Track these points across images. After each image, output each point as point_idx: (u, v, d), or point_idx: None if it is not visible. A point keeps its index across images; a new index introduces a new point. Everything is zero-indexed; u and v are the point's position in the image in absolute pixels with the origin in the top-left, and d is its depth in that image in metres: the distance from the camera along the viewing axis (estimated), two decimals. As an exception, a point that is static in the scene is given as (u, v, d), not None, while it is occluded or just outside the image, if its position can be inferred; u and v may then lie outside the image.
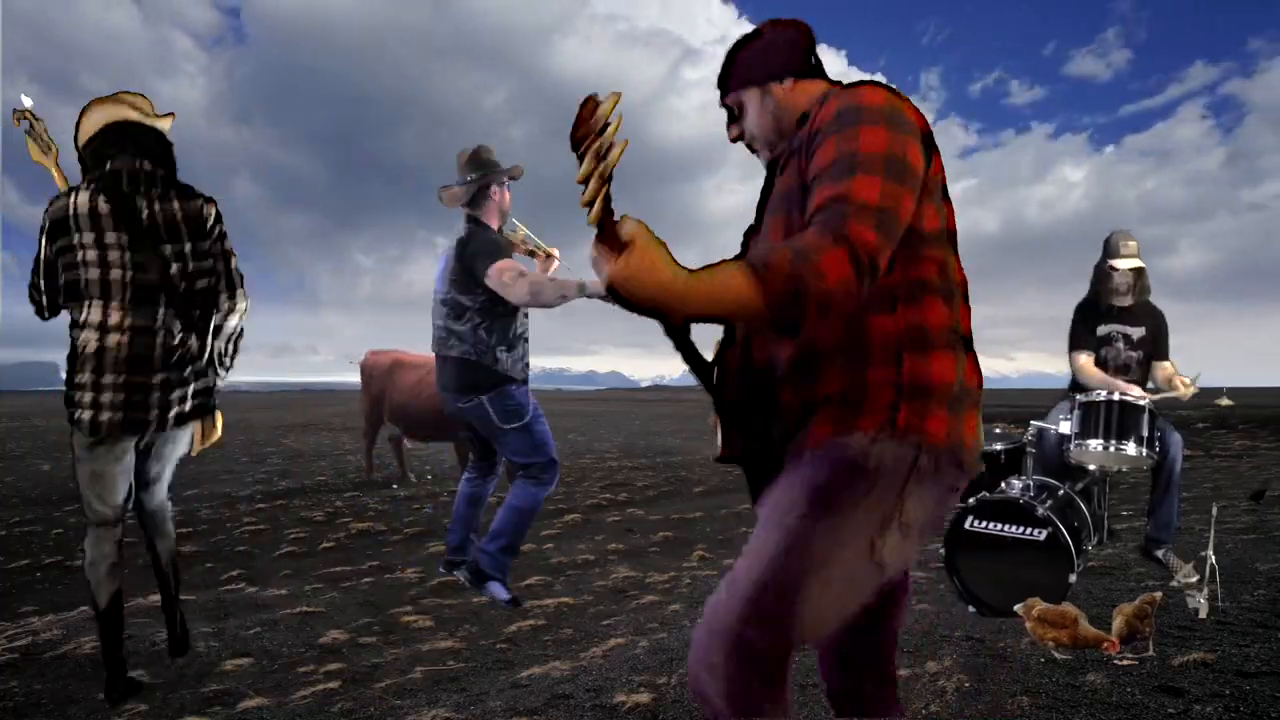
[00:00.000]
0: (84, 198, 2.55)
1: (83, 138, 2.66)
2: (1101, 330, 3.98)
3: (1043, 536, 3.09)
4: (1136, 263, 3.94)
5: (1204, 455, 9.29)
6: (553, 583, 4.04)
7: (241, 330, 2.86)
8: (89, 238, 2.53)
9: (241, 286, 2.80)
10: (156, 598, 3.76)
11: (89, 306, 2.56)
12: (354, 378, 8.22)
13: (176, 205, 2.63)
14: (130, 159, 2.61)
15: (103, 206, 2.55)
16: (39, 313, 2.72)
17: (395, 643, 3.15)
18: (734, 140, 1.60)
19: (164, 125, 2.76)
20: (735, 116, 1.59)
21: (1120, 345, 4.00)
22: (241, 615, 3.03)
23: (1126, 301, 3.98)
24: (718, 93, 1.61)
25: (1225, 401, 3.83)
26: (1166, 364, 3.99)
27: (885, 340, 1.26)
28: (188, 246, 2.63)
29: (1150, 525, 3.86)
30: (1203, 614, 2.80)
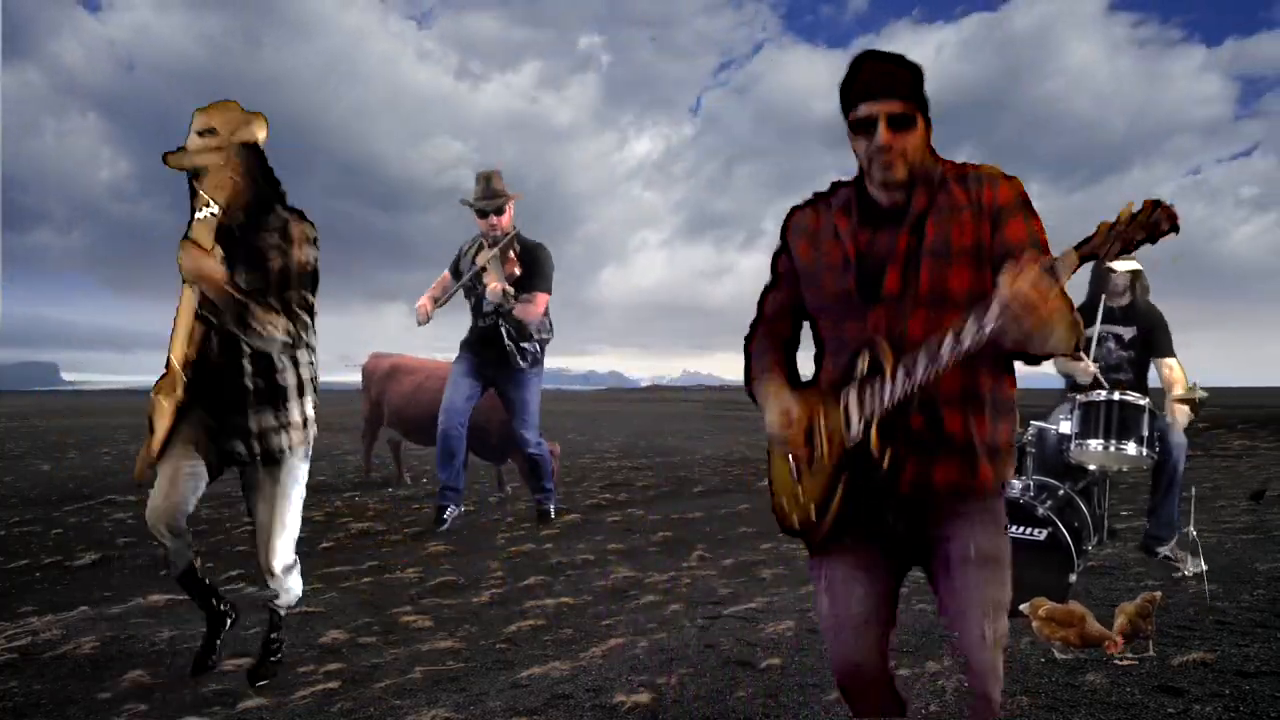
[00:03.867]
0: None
1: None
2: (1092, 332, 3.97)
3: (1043, 536, 3.09)
4: (1134, 265, 3.95)
5: (1204, 455, 9.28)
6: (552, 583, 4.04)
7: (292, 360, 2.61)
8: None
9: (280, 310, 2.49)
10: (156, 597, 3.77)
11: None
12: (351, 377, 8.19)
13: (238, 232, 2.53)
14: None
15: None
16: None
17: (395, 643, 3.15)
18: (885, 146, 1.46)
19: (256, 136, 2.56)
20: (899, 125, 1.46)
21: (1111, 345, 4.01)
22: (241, 615, 3.02)
23: (1123, 301, 3.98)
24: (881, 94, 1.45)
25: (1199, 393, 3.63)
26: (1171, 362, 3.97)
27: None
28: (242, 273, 2.49)
29: (1150, 524, 3.86)
30: (1191, 570, 2.88)
